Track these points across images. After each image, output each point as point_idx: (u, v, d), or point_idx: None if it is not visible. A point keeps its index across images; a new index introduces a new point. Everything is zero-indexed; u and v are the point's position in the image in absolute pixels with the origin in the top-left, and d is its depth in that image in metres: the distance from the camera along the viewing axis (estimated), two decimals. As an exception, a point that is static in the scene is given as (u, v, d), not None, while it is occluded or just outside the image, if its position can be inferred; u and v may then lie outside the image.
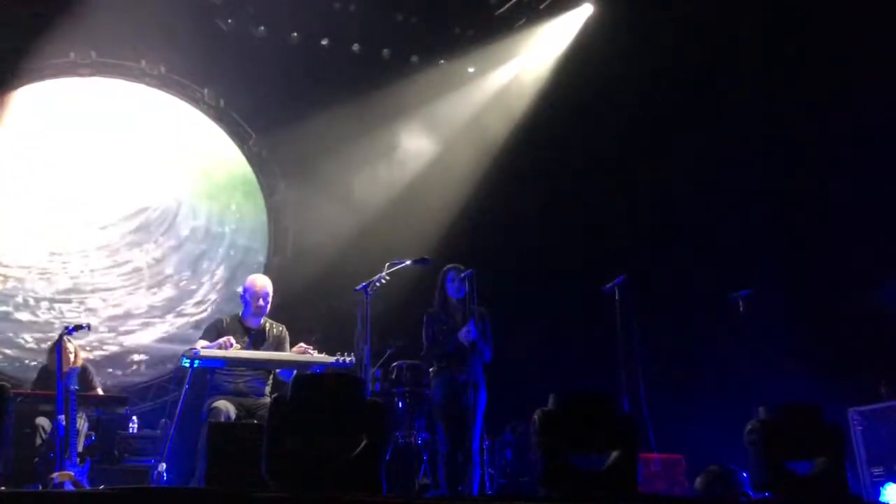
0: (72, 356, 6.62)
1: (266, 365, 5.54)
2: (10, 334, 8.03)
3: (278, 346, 5.68)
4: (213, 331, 5.61)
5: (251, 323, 5.71)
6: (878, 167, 6.91)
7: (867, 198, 6.99)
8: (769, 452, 3.98)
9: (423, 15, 9.07)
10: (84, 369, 6.77)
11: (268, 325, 5.77)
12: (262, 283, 5.79)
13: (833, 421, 4.31)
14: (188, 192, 8.94)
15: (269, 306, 5.74)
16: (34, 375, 6.85)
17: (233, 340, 5.39)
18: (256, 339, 5.65)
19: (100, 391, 6.67)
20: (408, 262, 5.86)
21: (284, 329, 5.83)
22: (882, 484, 5.96)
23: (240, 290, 5.94)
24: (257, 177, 9.21)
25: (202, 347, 5.30)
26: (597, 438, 3.81)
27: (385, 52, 9.17)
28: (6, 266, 8.13)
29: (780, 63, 7.54)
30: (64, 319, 7.93)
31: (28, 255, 8.20)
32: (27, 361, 7.94)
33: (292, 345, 5.69)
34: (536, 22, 9.02)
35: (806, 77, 7.34)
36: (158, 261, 8.71)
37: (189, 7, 8.28)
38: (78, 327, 5.81)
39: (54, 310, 8.18)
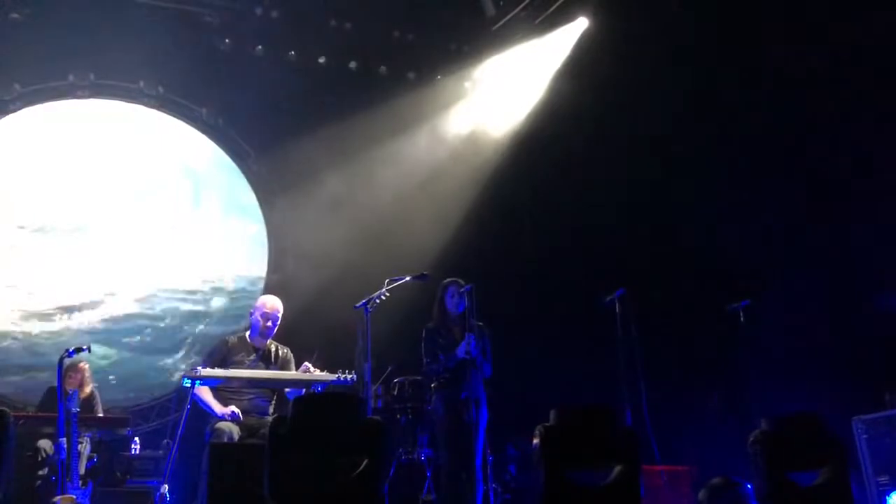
0: (75, 378, 6.62)
1: (268, 384, 5.51)
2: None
3: (283, 368, 5.63)
4: (218, 352, 5.59)
5: (257, 342, 5.69)
6: (879, 174, 6.90)
7: (870, 203, 6.97)
8: (772, 463, 3.96)
9: (420, 31, 9.13)
10: (91, 397, 6.77)
11: (273, 346, 5.73)
12: (273, 304, 5.73)
13: (836, 430, 4.29)
14: (187, 211, 8.95)
15: (275, 329, 5.71)
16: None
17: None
18: (263, 357, 5.63)
19: None
20: (407, 278, 5.85)
21: (289, 352, 5.80)
22: (888, 493, 5.90)
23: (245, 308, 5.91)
24: (256, 194, 9.23)
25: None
26: (599, 453, 3.79)
27: (382, 68, 9.22)
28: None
29: (776, 74, 7.56)
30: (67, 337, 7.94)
31: (23, 274, 8.20)
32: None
33: (297, 365, 5.63)
34: (532, 37, 9.06)
35: (799, 87, 7.35)
36: (156, 280, 8.70)
37: (186, 27, 8.35)
38: (78, 349, 5.76)
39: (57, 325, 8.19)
